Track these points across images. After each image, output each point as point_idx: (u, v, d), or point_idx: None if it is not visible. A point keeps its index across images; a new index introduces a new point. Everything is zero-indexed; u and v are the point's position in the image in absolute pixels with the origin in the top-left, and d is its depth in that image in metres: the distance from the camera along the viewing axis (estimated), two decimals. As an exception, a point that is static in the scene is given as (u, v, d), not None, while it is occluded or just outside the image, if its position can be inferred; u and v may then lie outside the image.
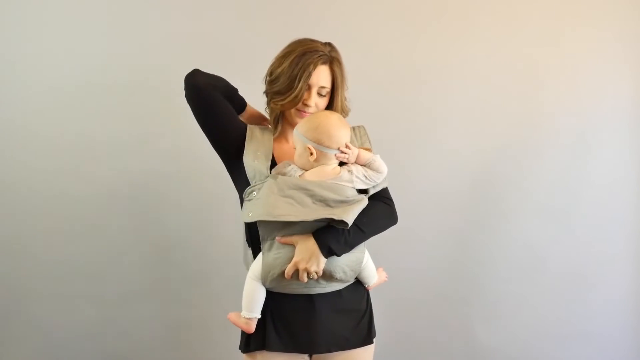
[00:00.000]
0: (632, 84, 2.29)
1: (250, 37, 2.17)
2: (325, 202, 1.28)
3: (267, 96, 1.44)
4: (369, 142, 1.48)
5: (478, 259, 2.32)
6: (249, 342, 1.38)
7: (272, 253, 1.31)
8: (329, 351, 1.38)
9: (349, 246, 1.32)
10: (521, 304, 2.33)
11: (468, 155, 2.28)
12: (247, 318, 1.35)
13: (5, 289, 2.22)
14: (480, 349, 2.33)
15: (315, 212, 1.27)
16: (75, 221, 2.21)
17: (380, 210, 1.39)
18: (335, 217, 1.25)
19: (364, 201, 1.32)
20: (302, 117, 1.39)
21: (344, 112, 1.44)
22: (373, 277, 1.45)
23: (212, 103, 1.36)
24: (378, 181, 1.38)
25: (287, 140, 1.46)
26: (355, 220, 1.29)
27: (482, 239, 2.32)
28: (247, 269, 1.42)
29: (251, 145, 1.39)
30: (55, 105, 2.18)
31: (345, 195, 1.30)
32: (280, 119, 1.45)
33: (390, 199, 1.44)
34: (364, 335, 1.42)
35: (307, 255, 1.27)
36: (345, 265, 1.34)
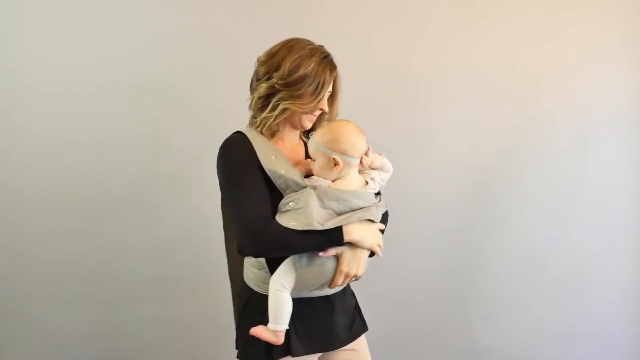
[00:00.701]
0: (632, 84, 2.28)
1: (249, 38, 2.17)
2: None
3: (273, 96, 1.34)
4: None
5: (477, 260, 2.32)
6: (271, 352, 1.33)
7: (315, 265, 1.29)
8: (343, 345, 1.43)
9: None
10: (520, 304, 2.33)
11: (467, 155, 2.28)
12: (278, 331, 1.30)
13: (5, 290, 2.22)
14: (480, 349, 2.33)
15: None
16: (75, 221, 2.21)
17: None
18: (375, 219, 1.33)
19: (383, 204, 1.39)
20: (311, 120, 1.39)
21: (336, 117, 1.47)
22: None
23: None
24: (386, 180, 1.42)
25: (282, 141, 1.43)
26: None
27: (482, 240, 2.32)
28: (233, 281, 1.44)
29: (263, 154, 1.33)
30: (55, 106, 2.18)
31: (372, 202, 1.35)
32: (283, 120, 1.39)
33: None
34: (361, 324, 1.50)
35: (356, 262, 1.31)
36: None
